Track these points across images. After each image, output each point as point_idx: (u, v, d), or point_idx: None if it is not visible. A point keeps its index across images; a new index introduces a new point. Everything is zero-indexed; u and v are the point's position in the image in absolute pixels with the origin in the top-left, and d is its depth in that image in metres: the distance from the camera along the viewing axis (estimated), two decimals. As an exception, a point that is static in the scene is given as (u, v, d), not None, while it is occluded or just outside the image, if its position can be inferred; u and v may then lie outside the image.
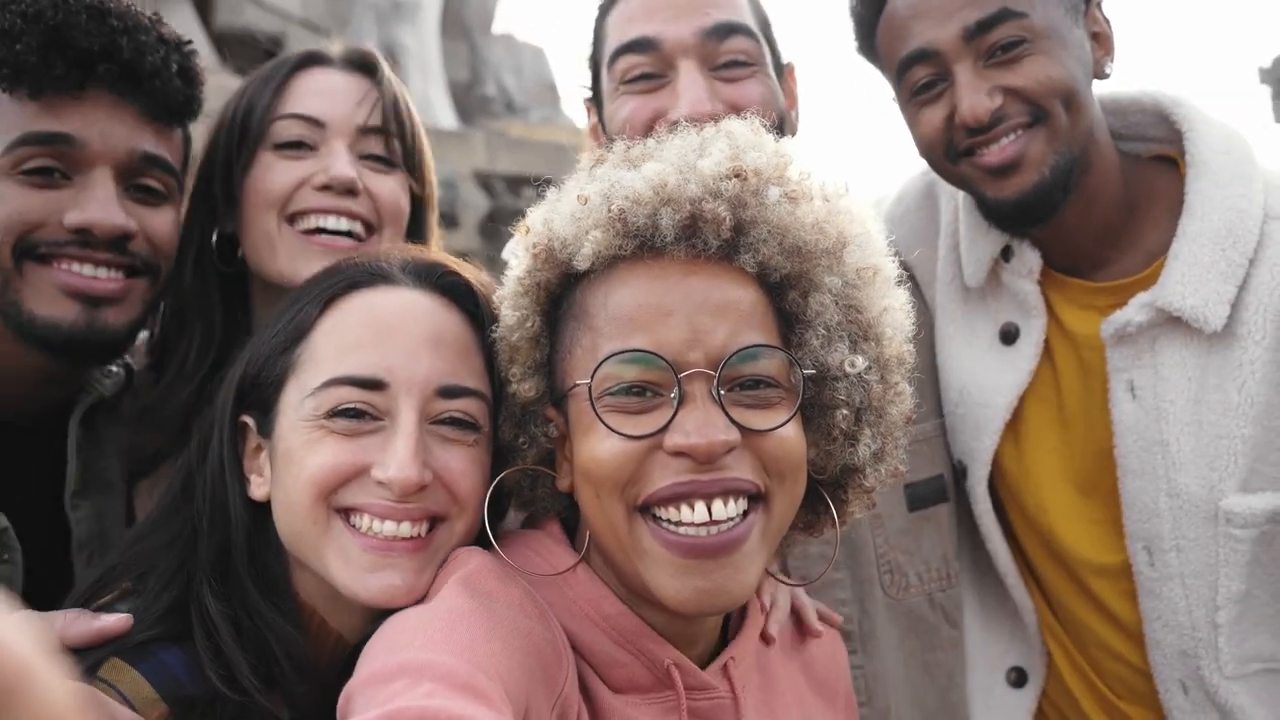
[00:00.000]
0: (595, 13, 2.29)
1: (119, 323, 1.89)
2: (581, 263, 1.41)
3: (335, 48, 2.23)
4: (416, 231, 2.22)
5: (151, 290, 1.97)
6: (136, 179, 1.90)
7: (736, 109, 2.02)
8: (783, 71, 2.29)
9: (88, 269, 1.85)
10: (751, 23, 2.18)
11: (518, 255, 1.52)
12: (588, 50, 2.33)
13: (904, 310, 1.53)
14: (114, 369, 2.13)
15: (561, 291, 1.49)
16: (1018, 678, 2.43)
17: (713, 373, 1.34)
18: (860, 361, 1.43)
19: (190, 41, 2.00)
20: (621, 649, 1.44)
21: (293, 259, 2.04)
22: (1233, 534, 2.03)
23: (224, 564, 1.55)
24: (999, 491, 2.37)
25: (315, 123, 2.09)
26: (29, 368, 1.91)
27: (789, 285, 1.44)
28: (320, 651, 1.56)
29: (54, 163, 1.81)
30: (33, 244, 1.81)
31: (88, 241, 1.82)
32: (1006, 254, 2.30)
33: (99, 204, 1.81)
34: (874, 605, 2.24)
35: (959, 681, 2.40)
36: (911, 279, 2.50)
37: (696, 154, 1.43)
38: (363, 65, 2.20)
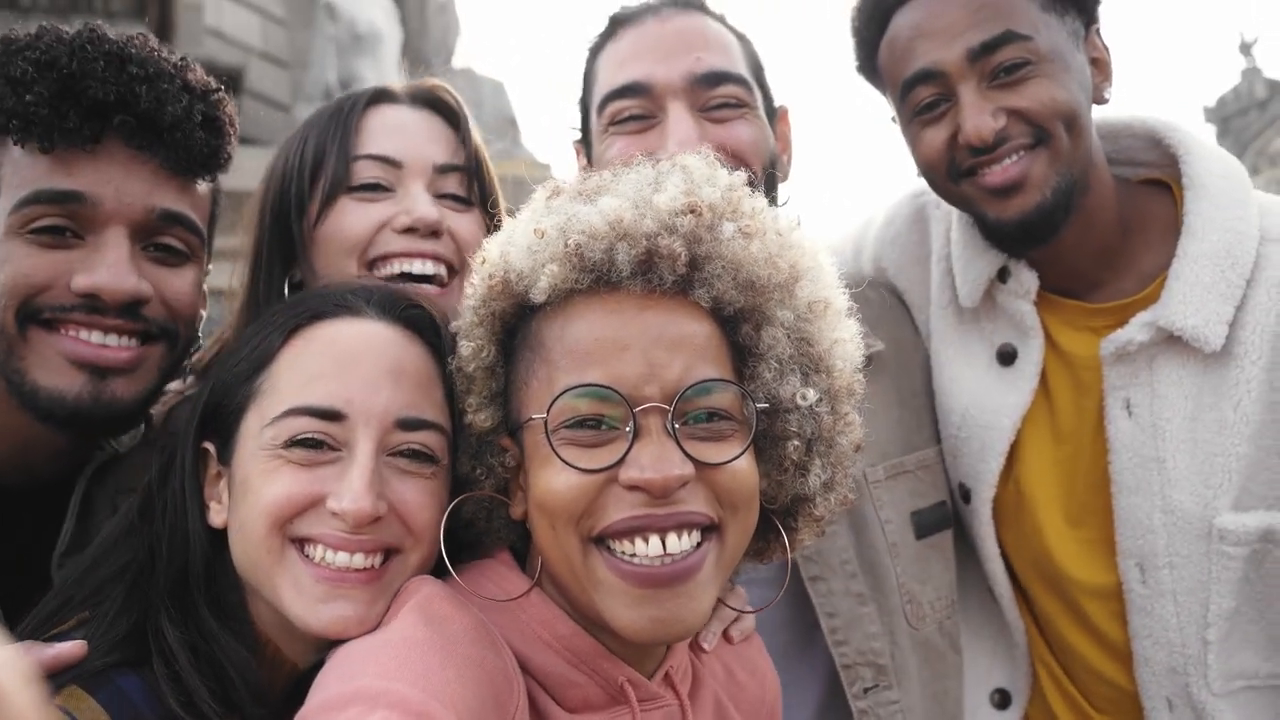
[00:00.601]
0: (586, 53, 2.28)
1: (128, 395, 1.75)
2: (538, 295, 1.41)
3: (399, 85, 2.13)
4: None
5: (168, 357, 1.82)
6: (155, 238, 1.76)
7: (725, 150, 2.01)
8: (775, 115, 2.29)
9: (96, 336, 1.71)
10: (742, 68, 2.18)
11: (473, 285, 1.52)
12: (578, 93, 2.31)
13: (855, 342, 1.53)
14: None
15: (517, 322, 1.49)
16: (1001, 699, 2.43)
17: (667, 407, 1.33)
18: (811, 394, 1.43)
19: (219, 89, 1.86)
20: (576, 669, 1.44)
21: None
22: (1225, 551, 2.03)
23: (181, 590, 1.53)
24: (995, 512, 2.34)
25: (391, 163, 1.99)
26: (37, 439, 1.79)
27: (742, 319, 1.44)
28: (274, 679, 1.55)
29: (65, 222, 1.68)
30: (38, 308, 1.68)
31: (96, 307, 1.69)
32: (1003, 275, 2.29)
33: (109, 267, 1.67)
34: (901, 636, 2.19)
35: (963, 708, 2.37)
36: (902, 304, 2.50)
37: (652, 188, 1.43)
38: (431, 101, 2.11)
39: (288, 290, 2.02)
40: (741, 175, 1.50)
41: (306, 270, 2.02)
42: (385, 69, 9.81)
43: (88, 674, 1.41)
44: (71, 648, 1.42)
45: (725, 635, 1.72)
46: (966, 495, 2.36)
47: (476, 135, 2.13)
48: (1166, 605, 2.11)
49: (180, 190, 1.78)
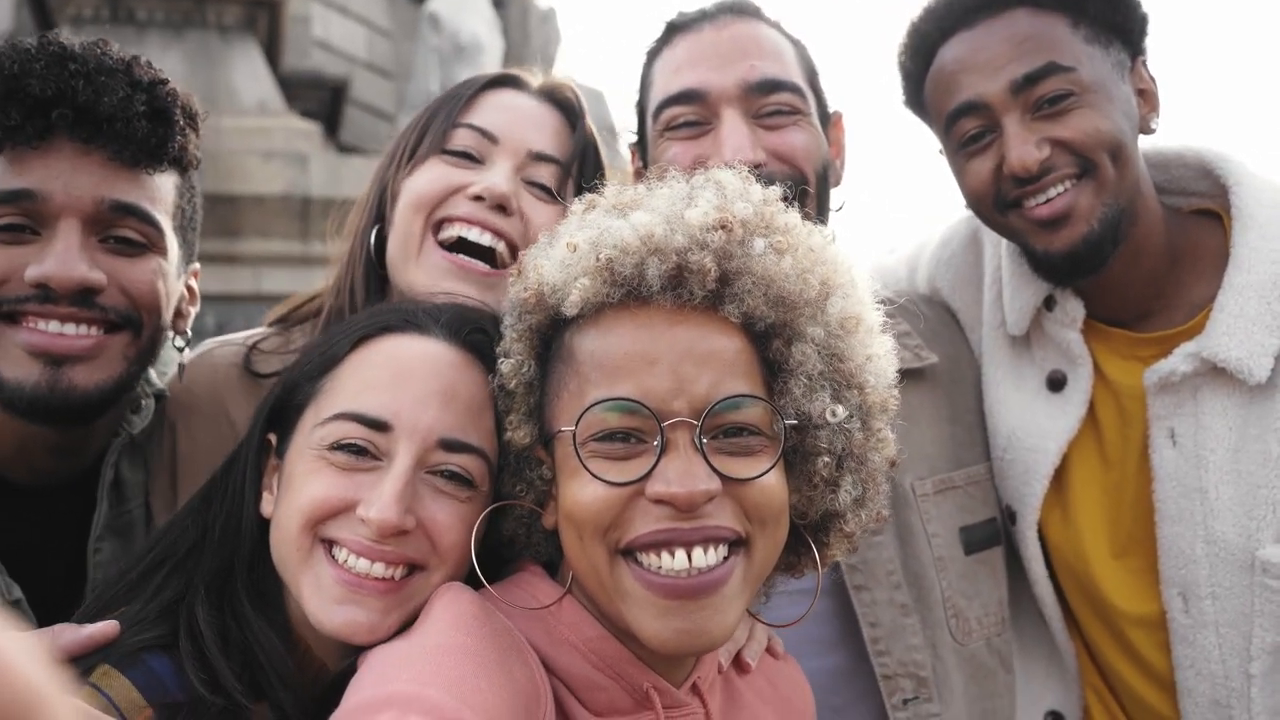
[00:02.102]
0: (644, 57, 2.26)
1: (88, 383, 1.73)
2: (570, 309, 1.37)
3: (536, 77, 2.12)
4: None
5: (134, 345, 1.80)
6: (110, 230, 1.75)
7: (779, 156, 2.03)
8: (829, 120, 2.24)
9: (53, 325, 1.70)
10: (796, 75, 2.13)
11: (511, 299, 1.50)
12: (634, 95, 2.30)
13: (888, 358, 1.47)
14: (144, 402, 2.00)
15: (552, 334, 1.46)
16: None
17: (695, 421, 1.29)
18: (841, 410, 1.38)
19: (166, 81, 1.82)
20: (601, 673, 1.40)
21: (427, 273, 1.91)
22: (1268, 584, 1.96)
23: (224, 575, 1.53)
24: (1043, 536, 2.28)
25: (488, 136, 1.97)
26: (30, 437, 1.79)
27: (773, 334, 1.39)
28: (304, 674, 1.52)
29: (20, 219, 1.69)
30: None
31: (49, 296, 1.68)
32: (1049, 303, 2.24)
33: (57, 257, 1.68)
34: (945, 650, 2.13)
35: None
36: (956, 323, 2.46)
37: (685, 203, 1.39)
38: (557, 98, 2.09)
39: (373, 243, 2.02)
40: (776, 190, 1.44)
41: (388, 224, 2.00)
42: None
43: (120, 653, 1.40)
44: (103, 628, 1.42)
45: (740, 659, 1.66)
46: (1012, 517, 2.29)
47: (592, 139, 2.08)
48: (1209, 636, 2.03)
49: (132, 182, 1.76)
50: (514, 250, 1.92)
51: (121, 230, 1.77)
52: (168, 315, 1.88)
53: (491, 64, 10.23)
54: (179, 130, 1.82)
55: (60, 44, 1.73)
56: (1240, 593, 2.00)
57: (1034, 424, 2.24)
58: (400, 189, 1.97)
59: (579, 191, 1.92)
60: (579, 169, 2.04)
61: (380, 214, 2.02)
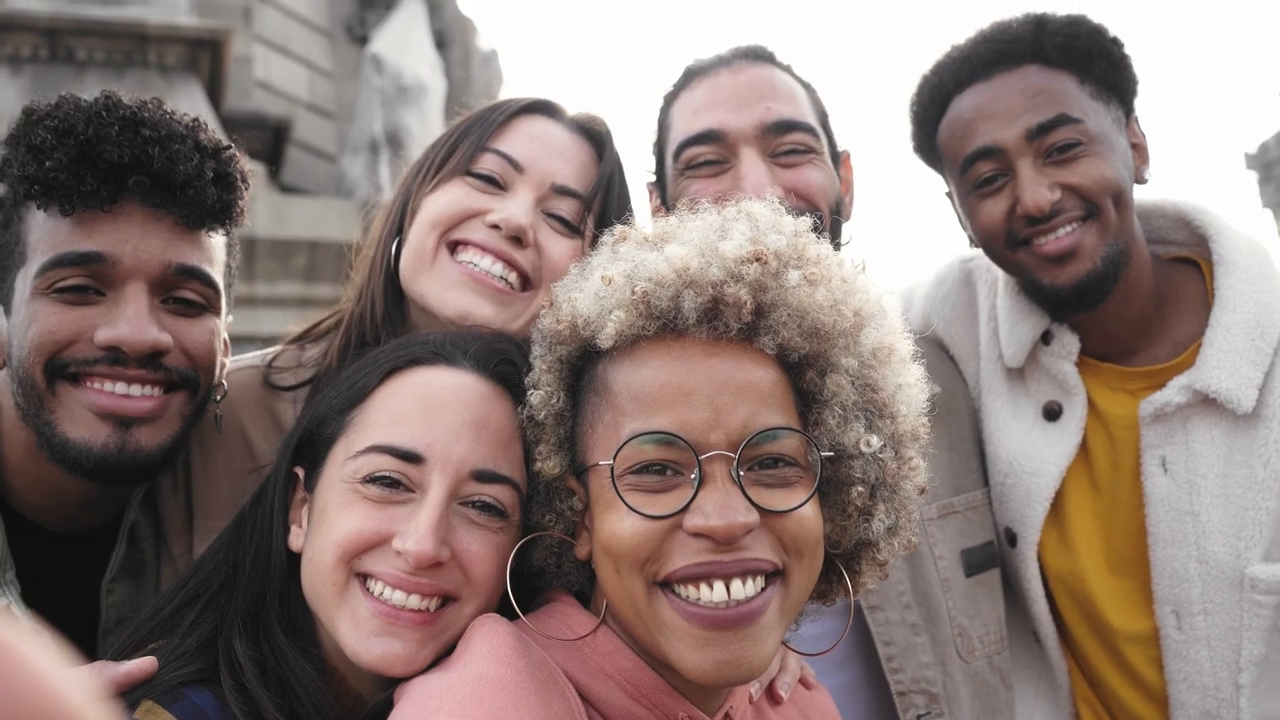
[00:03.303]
0: (660, 102, 2.32)
1: (152, 444, 1.72)
2: (604, 341, 1.34)
3: (571, 108, 2.07)
4: None
5: (190, 404, 1.80)
6: (173, 291, 1.75)
7: (796, 192, 2.07)
8: (839, 159, 2.29)
9: (120, 387, 1.70)
10: (810, 117, 2.18)
11: (542, 331, 1.46)
12: (652, 136, 2.34)
13: (919, 386, 1.45)
14: None
15: (583, 365, 1.42)
16: None
17: (732, 455, 1.25)
18: (875, 440, 1.35)
19: (229, 147, 1.83)
20: (637, 703, 1.35)
21: (439, 283, 1.88)
22: (1256, 599, 2.07)
23: (257, 608, 1.49)
24: (1040, 558, 2.33)
25: (513, 164, 1.92)
26: (68, 489, 1.78)
27: (807, 365, 1.35)
28: (341, 704, 1.48)
29: (87, 280, 1.68)
30: (64, 363, 1.67)
31: (119, 359, 1.68)
32: (1046, 337, 2.33)
33: (129, 321, 1.67)
34: (953, 667, 2.16)
35: None
36: (950, 357, 2.53)
37: (718, 235, 1.36)
38: (589, 130, 2.05)
39: (393, 255, 1.97)
40: (807, 221, 1.42)
41: (405, 238, 1.96)
42: (430, 120, 9.90)
43: (161, 689, 1.36)
44: (142, 664, 1.39)
45: (772, 689, 1.64)
46: (1012, 539, 2.34)
47: (618, 176, 2.05)
48: (1200, 650, 2.12)
49: (195, 245, 1.77)
50: (525, 280, 1.90)
51: (183, 292, 1.76)
52: (220, 373, 1.88)
53: (434, 105, 10.24)
54: (240, 194, 1.83)
55: (129, 107, 1.72)
56: (1230, 608, 2.10)
57: (1033, 451, 2.32)
58: (421, 204, 1.93)
59: (597, 224, 1.95)
60: (602, 201, 2.01)
61: (401, 224, 1.99)
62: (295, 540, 1.52)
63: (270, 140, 9.51)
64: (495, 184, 1.92)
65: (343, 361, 1.88)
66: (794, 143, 2.13)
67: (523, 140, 1.96)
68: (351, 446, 1.47)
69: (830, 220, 2.15)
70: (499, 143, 1.94)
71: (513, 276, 1.89)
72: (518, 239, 1.87)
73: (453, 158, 1.94)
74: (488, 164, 1.93)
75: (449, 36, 12.34)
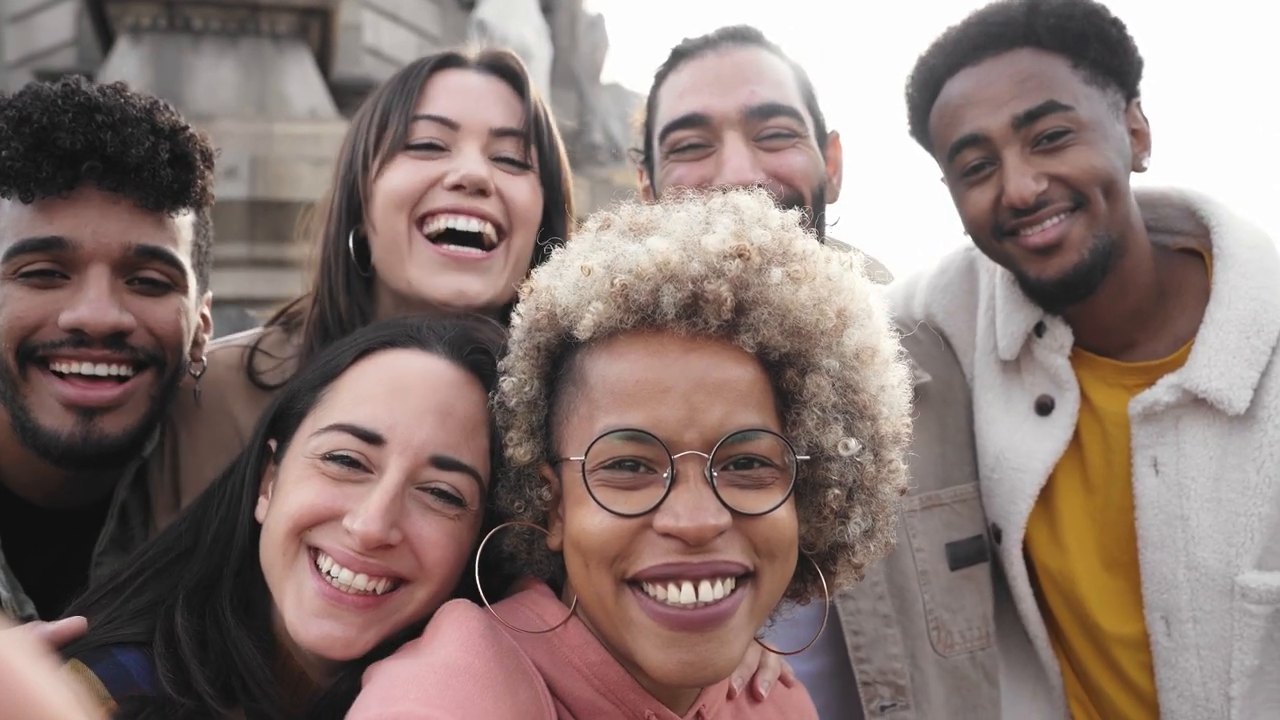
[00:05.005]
0: (651, 80, 2.30)
1: (117, 429, 1.76)
2: (582, 332, 1.31)
3: (473, 50, 2.08)
4: (550, 236, 2.00)
5: (157, 384, 1.82)
6: (136, 272, 1.77)
7: (778, 177, 2.06)
8: (826, 140, 2.26)
9: (85, 367, 1.73)
10: (795, 99, 2.15)
11: (520, 316, 1.43)
12: (641, 117, 2.33)
13: (902, 388, 1.41)
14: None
15: (561, 354, 1.39)
16: None
17: (706, 455, 1.22)
18: (854, 444, 1.31)
19: (187, 127, 1.85)
20: (603, 697, 1.33)
21: (421, 270, 1.89)
22: (1248, 609, 1.97)
23: (211, 579, 1.49)
24: (1030, 556, 2.28)
25: (448, 124, 1.94)
26: (51, 472, 1.82)
27: (787, 364, 1.32)
28: (283, 682, 1.48)
29: (51, 265, 1.71)
30: (33, 346, 1.71)
31: (82, 340, 1.71)
32: (1039, 329, 2.25)
33: (90, 303, 1.70)
34: (925, 660, 2.13)
35: None
36: (950, 347, 2.47)
37: (702, 229, 1.32)
38: (500, 68, 2.05)
39: (352, 245, 1.98)
40: (795, 214, 1.39)
41: (368, 226, 1.96)
42: (538, 85, 9.92)
43: (89, 648, 1.37)
44: (69, 624, 1.41)
45: (753, 688, 1.62)
46: (998, 535, 2.29)
47: (540, 101, 2.06)
48: (1190, 659, 2.03)
49: (156, 225, 1.79)
50: (499, 229, 1.93)
51: (146, 272, 1.79)
52: (188, 350, 1.90)
53: (540, 70, 10.25)
54: (199, 174, 1.85)
55: (85, 93, 1.74)
56: (1220, 617, 2.01)
57: (1022, 445, 2.25)
58: (373, 191, 1.94)
59: (541, 155, 1.99)
60: (536, 128, 2.02)
61: (354, 217, 1.99)
62: (260, 511, 1.52)
63: (380, 107, 9.59)
64: (437, 148, 1.92)
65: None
66: (777, 127, 2.11)
67: (446, 97, 1.97)
68: (317, 423, 1.46)
69: (814, 203, 2.13)
70: (424, 108, 1.95)
71: (488, 228, 1.91)
72: (482, 191, 1.89)
73: (385, 138, 1.93)
74: (423, 132, 1.94)
75: (554, 1, 12.30)
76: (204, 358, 1.97)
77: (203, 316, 1.98)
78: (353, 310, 1.97)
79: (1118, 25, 2.13)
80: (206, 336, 2.00)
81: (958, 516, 2.26)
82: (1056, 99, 2.04)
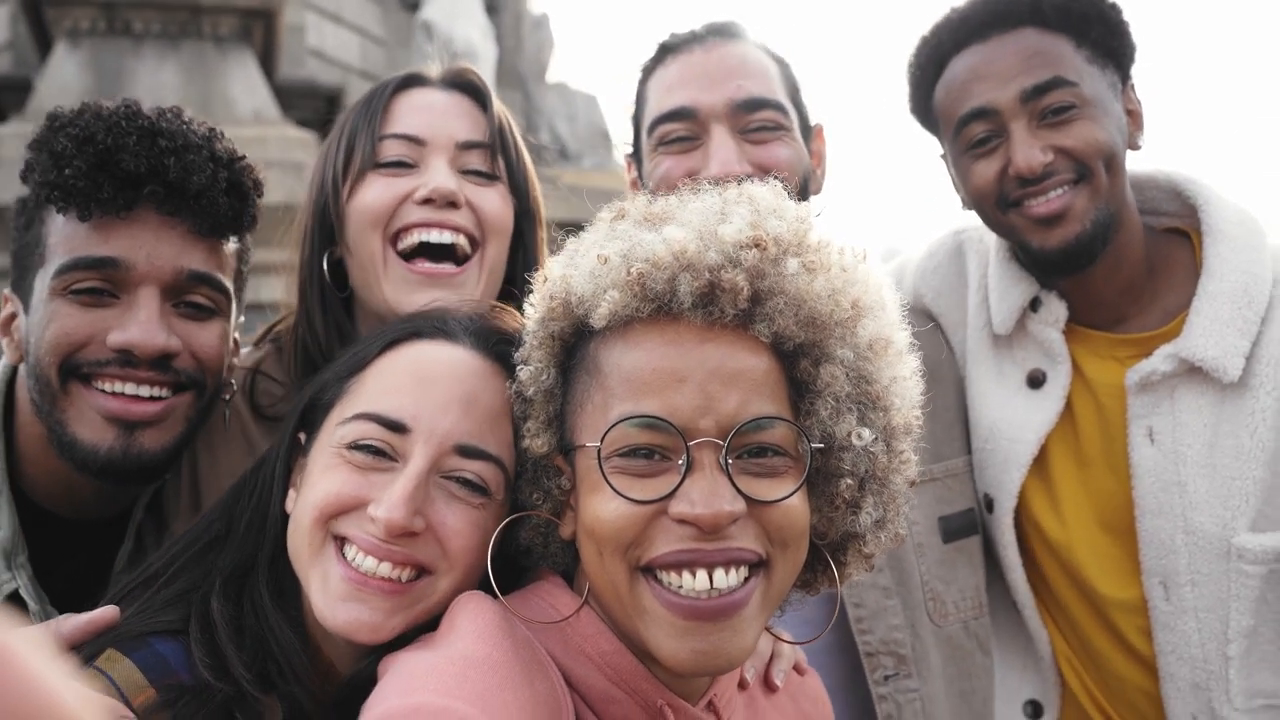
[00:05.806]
0: (639, 74, 2.34)
1: (155, 446, 1.77)
2: (598, 321, 1.30)
3: (434, 69, 2.11)
4: (522, 246, 2.08)
5: (195, 406, 1.84)
6: (184, 296, 1.79)
7: (764, 169, 2.07)
8: (810, 133, 2.30)
9: (129, 387, 1.74)
10: (779, 93, 2.20)
11: (534, 305, 1.43)
12: (631, 109, 2.36)
13: (913, 379, 1.41)
14: None
15: (575, 342, 1.39)
16: (1034, 710, 2.41)
17: (721, 442, 1.22)
18: (867, 434, 1.31)
19: (243, 157, 1.88)
20: (616, 687, 1.33)
21: (397, 289, 1.90)
22: (1244, 570, 2.05)
23: (246, 568, 1.49)
24: (1024, 525, 2.33)
25: (415, 141, 1.96)
26: (79, 482, 1.83)
27: (801, 354, 1.32)
28: (315, 672, 1.48)
29: (102, 284, 1.72)
30: (77, 363, 1.72)
31: (129, 361, 1.73)
32: (1034, 305, 2.32)
33: (140, 325, 1.72)
34: (924, 630, 2.19)
35: (993, 709, 2.36)
36: (938, 327, 2.52)
37: (718, 219, 1.32)
38: (461, 84, 2.08)
39: (326, 266, 2.00)
40: (809, 206, 1.38)
41: (343, 247, 1.98)
42: None
43: (126, 637, 1.37)
44: (102, 614, 1.42)
45: (768, 678, 1.62)
46: (990, 505, 2.35)
47: (504, 114, 2.08)
48: (1189, 622, 2.10)
49: (207, 252, 1.82)
50: (472, 240, 1.94)
51: (194, 296, 1.81)
52: (226, 374, 1.91)
53: (486, 70, 10.23)
54: (251, 203, 1.87)
55: (149, 117, 1.76)
56: (1218, 579, 2.08)
57: (1014, 417, 2.31)
58: (345, 212, 1.95)
59: (508, 165, 2.01)
60: (502, 140, 2.04)
61: (327, 240, 2.01)
62: (290, 502, 1.52)
63: (323, 108, 9.53)
64: (406, 165, 1.95)
65: (299, 384, 1.88)
66: (763, 120, 2.17)
67: (411, 115, 2.00)
68: (344, 412, 1.47)
69: (799, 195, 2.15)
70: (390, 127, 1.98)
71: (461, 240, 1.93)
72: (452, 203, 1.91)
73: (353, 160, 1.95)
74: (391, 150, 1.96)
75: (499, 1, 12.28)
76: (233, 381, 1.99)
77: (234, 340, 1.99)
78: (330, 332, 1.99)
79: (1116, 9, 2.21)
80: (235, 361, 2.03)
81: (949, 491, 2.32)
82: (1063, 75, 2.11)
